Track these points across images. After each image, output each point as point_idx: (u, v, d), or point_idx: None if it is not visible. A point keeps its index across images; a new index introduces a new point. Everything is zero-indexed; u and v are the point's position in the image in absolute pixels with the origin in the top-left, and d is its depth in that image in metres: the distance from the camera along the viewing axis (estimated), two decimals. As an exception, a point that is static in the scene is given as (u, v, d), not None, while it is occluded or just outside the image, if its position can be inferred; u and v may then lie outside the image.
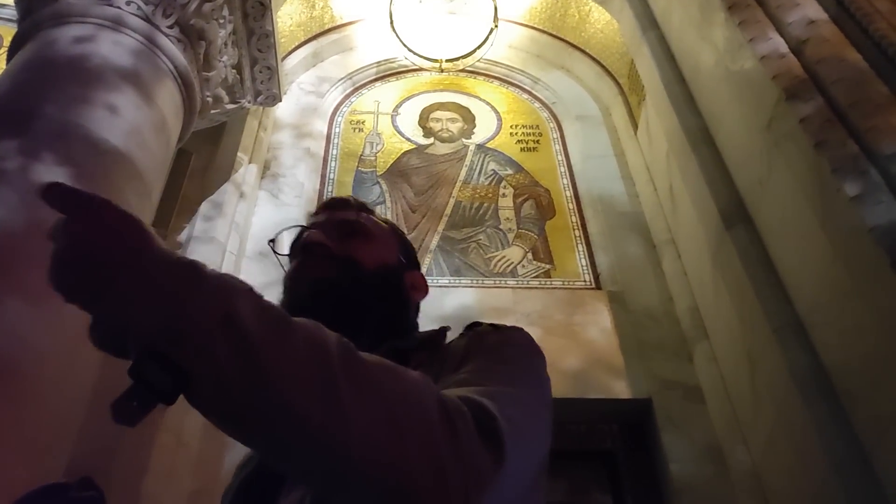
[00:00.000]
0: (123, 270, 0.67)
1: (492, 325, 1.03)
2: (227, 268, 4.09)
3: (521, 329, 1.03)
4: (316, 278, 1.08)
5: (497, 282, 4.45)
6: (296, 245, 1.16)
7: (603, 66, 5.79)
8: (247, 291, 0.71)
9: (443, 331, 1.11)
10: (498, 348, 0.95)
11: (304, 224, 1.21)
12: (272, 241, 1.22)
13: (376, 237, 1.17)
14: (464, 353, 0.95)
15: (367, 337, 1.01)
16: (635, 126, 5.21)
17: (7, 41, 5.17)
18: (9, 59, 3.46)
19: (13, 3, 3.74)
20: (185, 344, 0.65)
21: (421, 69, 5.98)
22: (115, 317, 0.67)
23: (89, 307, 0.68)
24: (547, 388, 0.97)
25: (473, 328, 1.04)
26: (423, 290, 1.20)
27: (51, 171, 2.69)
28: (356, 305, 1.06)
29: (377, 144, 5.45)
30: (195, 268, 0.70)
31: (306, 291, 1.07)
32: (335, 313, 0.99)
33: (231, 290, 0.70)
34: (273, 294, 3.13)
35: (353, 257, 1.10)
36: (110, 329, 0.68)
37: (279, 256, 1.19)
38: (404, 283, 1.16)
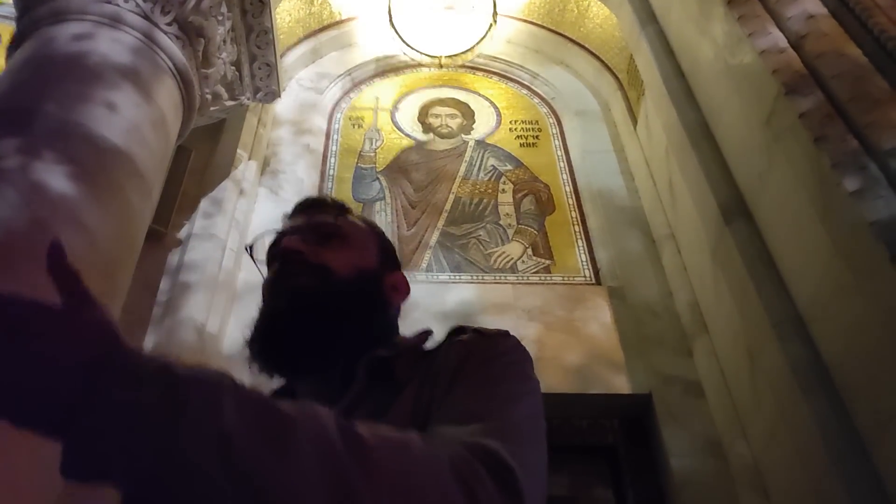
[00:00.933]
0: (88, 397, 0.55)
1: (477, 331, 1.02)
2: (226, 264, 4.10)
3: (508, 334, 1.02)
4: (292, 289, 1.06)
5: (497, 277, 4.46)
6: (273, 251, 1.14)
7: (602, 61, 5.79)
8: (231, 389, 0.62)
9: (425, 335, 1.10)
10: (490, 363, 0.94)
11: (282, 227, 1.19)
12: (249, 246, 1.20)
13: (354, 241, 1.14)
14: (455, 368, 0.93)
15: (347, 347, 1.02)
16: (635, 121, 5.21)
17: (6, 39, 5.17)
18: (8, 57, 3.45)
19: (11, 1, 3.73)
20: (183, 483, 0.57)
21: (420, 65, 5.97)
22: (83, 452, 0.56)
23: (51, 437, 0.57)
24: (539, 394, 0.96)
25: (458, 335, 1.02)
26: (405, 291, 1.17)
27: (51, 170, 2.69)
28: (334, 316, 1.04)
29: (377, 140, 5.45)
30: (169, 377, 0.59)
31: (284, 304, 1.05)
32: (314, 324, 1.02)
33: (214, 397, 0.60)
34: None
35: (329, 265, 1.07)
36: (84, 461, 0.57)
37: (257, 263, 1.17)
38: (384, 287, 1.14)
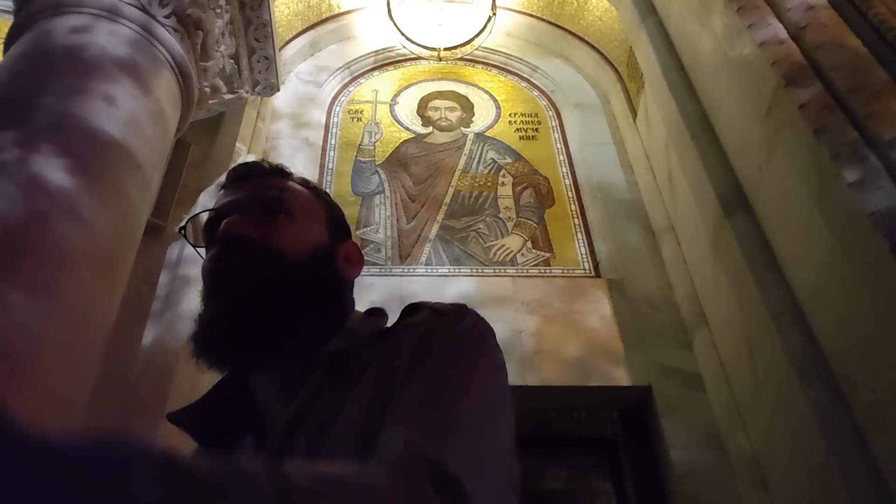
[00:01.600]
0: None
1: (432, 309, 0.92)
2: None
3: (465, 309, 0.93)
4: (238, 277, 0.94)
5: (497, 270, 4.46)
6: (211, 231, 1.01)
7: (601, 54, 5.78)
8: (140, 464, 0.49)
9: (379, 319, 1.01)
10: (443, 348, 0.85)
11: (218, 202, 1.04)
12: (182, 228, 1.05)
13: (300, 213, 1.02)
14: (411, 355, 0.85)
15: (304, 336, 0.94)
16: (634, 113, 5.21)
17: (3, 32, 5.15)
18: (5, 50, 3.44)
19: (9, -6, 3.72)
20: None
21: (419, 58, 5.96)
22: None
23: None
24: (503, 376, 0.89)
25: (413, 313, 0.94)
26: (359, 262, 1.07)
27: (49, 163, 2.68)
28: (288, 303, 0.93)
29: (376, 134, 5.45)
30: (65, 455, 0.46)
31: (231, 292, 0.94)
32: (267, 314, 0.92)
33: (124, 473, 0.48)
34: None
35: (278, 247, 0.96)
36: None
37: (193, 245, 1.05)
38: (336, 261, 1.03)
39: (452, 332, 0.88)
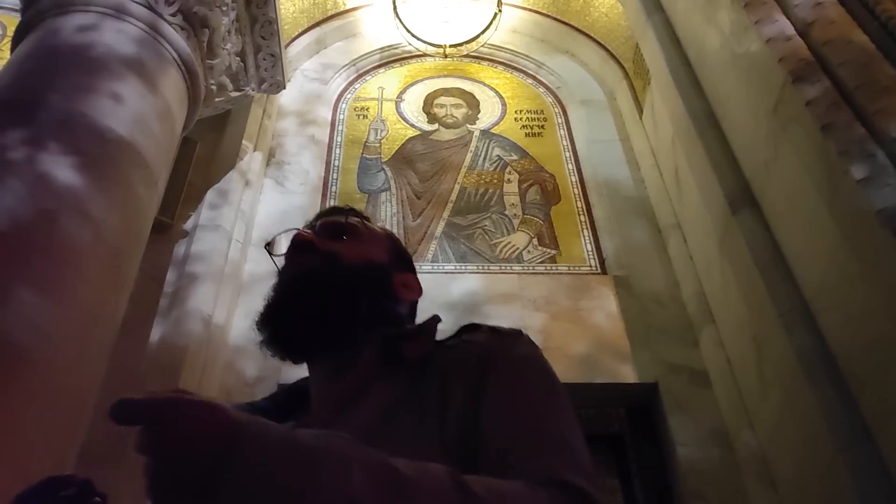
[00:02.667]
0: (226, 478, 0.62)
1: (493, 329, 1.02)
2: (232, 255, 4.11)
3: (521, 333, 1.03)
4: (299, 271, 1.09)
5: (503, 268, 4.45)
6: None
7: (608, 50, 5.76)
8: (359, 460, 0.67)
9: (434, 321, 1.09)
10: (523, 369, 0.95)
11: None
12: (269, 244, 1.22)
13: (364, 237, 1.16)
14: (480, 368, 0.94)
15: (355, 327, 1.03)
16: (640, 110, 5.19)
17: (10, 31, 5.17)
18: (13, 48, 3.45)
19: (16, -7, 3.73)
20: None
21: (425, 55, 5.95)
22: None
23: None
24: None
25: (472, 331, 1.03)
26: (416, 291, 1.18)
27: (57, 161, 2.69)
28: (340, 295, 1.05)
29: (382, 131, 5.45)
30: (298, 447, 0.66)
31: (289, 285, 1.08)
32: (319, 303, 1.03)
33: (344, 465, 0.66)
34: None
35: (337, 252, 1.10)
36: None
37: (274, 258, 1.18)
38: (393, 282, 1.14)
39: (520, 354, 0.98)
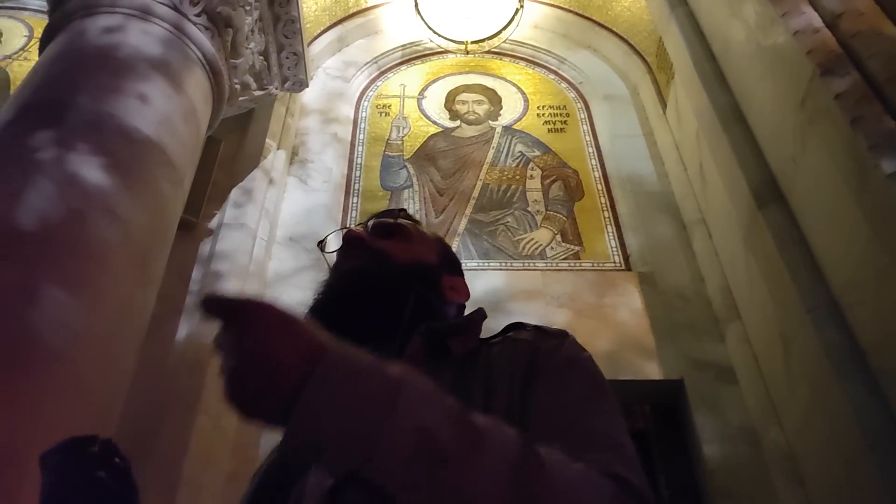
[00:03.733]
0: (309, 385, 0.64)
1: (538, 328, 1.03)
2: (257, 253, 4.14)
3: (567, 333, 1.03)
4: (349, 268, 1.12)
5: (526, 264, 4.45)
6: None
7: (630, 45, 5.72)
8: (440, 400, 0.69)
9: (480, 315, 1.12)
10: (571, 369, 0.96)
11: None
12: (322, 242, 1.27)
13: (414, 238, 1.20)
14: (527, 366, 0.94)
15: (402, 320, 1.04)
16: (664, 105, 5.15)
17: (38, 33, 5.25)
18: (40, 50, 3.51)
19: (44, -5, 3.79)
20: (384, 468, 0.63)
21: (446, 51, 5.94)
22: (303, 434, 0.64)
23: (274, 424, 0.66)
24: None
25: (517, 329, 1.04)
26: (464, 294, 1.20)
27: (85, 161, 2.73)
28: (387, 291, 1.07)
29: (404, 128, 5.46)
30: (385, 375, 0.67)
31: (339, 281, 1.10)
32: (365, 299, 1.05)
33: (426, 400, 0.68)
34: (303, 279, 3.16)
35: (386, 250, 1.13)
36: (296, 445, 0.65)
37: (325, 255, 1.23)
38: (441, 283, 1.16)
39: (569, 353, 0.98)
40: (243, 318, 0.67)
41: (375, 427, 0.63)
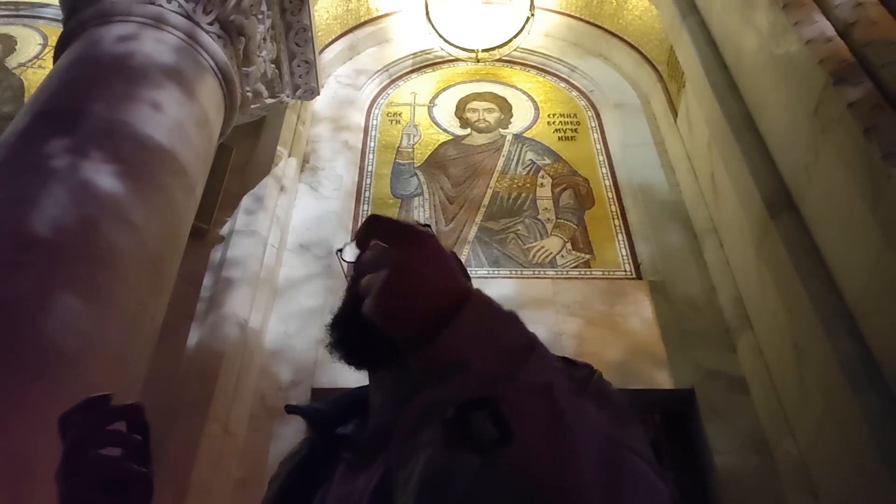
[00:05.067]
0: (465, 310, 0.68)
1: (565, 359, 1.03)
2: (268, 260, 4.15)
3: (593, 367, 1.05)
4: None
5: (536, 272, 4.44)
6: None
7: (641, 53, 5.72)
8: (555, 366, 0.72)
9: None
10: (601, 403, 0.97)
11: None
12: (340, 250, 1.23)
13: None
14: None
15: None
16: (675, 113, 5.14)
17: (52, 41, 5.30)
18: (55, 58, 3.54)
19: (58, 3, 3.82)
20: (513, 403, 0.65)
21: (457, 60, 5.96)
22: (449, 351, 0.67)
23: (413, 342, 0.69)
24: None
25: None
26: None
27: (99, 169, 2.75)
28: None
29: (414, 136, 5.47)
30: (520, 323, 0.72)
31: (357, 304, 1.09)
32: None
33: (548, 359, 0.72)
34: (313, 286, 3.15)
35: None
36: (440, 360, 0.68)
37: (343, 264, 1.20)
38: None
39: (601, 387, 0.99)
40: (414, 241, 0.70)
41: (515, 366, 0.67)
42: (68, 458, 0.90)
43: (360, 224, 4.71)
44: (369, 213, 4.83)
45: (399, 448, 0.91)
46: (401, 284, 0.68)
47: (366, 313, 0.70)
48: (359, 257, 0.76)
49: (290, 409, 1.14)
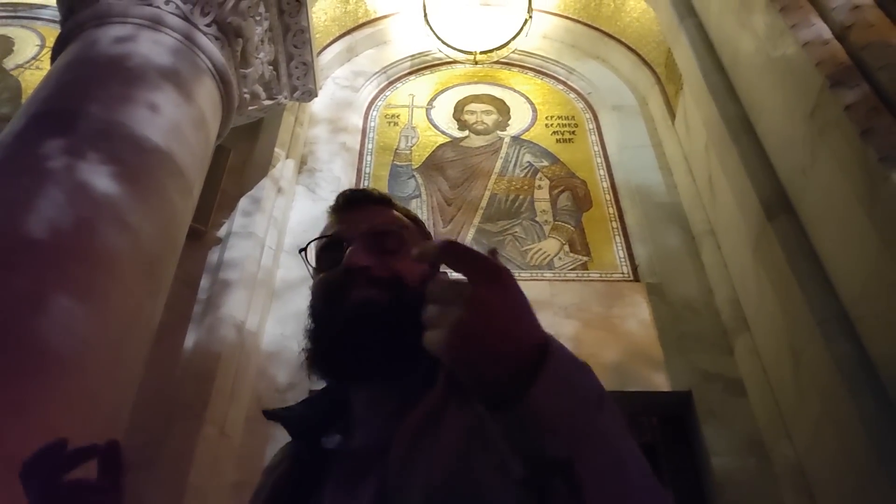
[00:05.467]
0: (542, 363, 0.65)
1: None
2: (265, 262, 4.15)
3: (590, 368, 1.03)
4: (361, 302, 0.99)
5: (534, 274, 4.44)
6: (329, 257, 1.08)
7: (639, 56, 5.72)
8: (618, 414, 0.73)
9: None
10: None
11: (333, 226, 1.13)
12: (303, 249, 1.16)
13: (410, 245, 1.07)
14: None
15: (418, 356, 0.94)
16: (672, 116, 5.14)
17: (50, 42, 5.30)
18: (52, 59, 3.53)
19: (55, 5, 3.81)
20: (588, 461, 0.64)
21: (455, 62, 5.97)
22: (536, 409, 0.65)
23: (488, 390, 0.66)
24: None
25: None
26: None
27: (95, 170, 2.74)
28: (408, 327, 0.94)
29: (412, 138, 5.46)
30: (591, 372, 0.72)
31: (352, 317, 0.99)
32: (388, 336, 0.96)
33: (615, 411, 0.72)
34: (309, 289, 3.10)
35: (398, 276, 1.02)
36: (526, 417, 0.65)
37: (309, 266, 1.13)
38: None
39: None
40: (496, 279, 0.67)
41: (590, 421, 0.67)
42: None
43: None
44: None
45: (398, 456, 0.89)
46: (480, 325, 0.64)
47: (430, 347, 0.66)
48: (428, 279, 0.73)
49: (270, 416, 1.08)
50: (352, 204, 1.14)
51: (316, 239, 1.14)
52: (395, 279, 1.02)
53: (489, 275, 0.66)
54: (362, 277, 1.01)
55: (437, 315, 0.66)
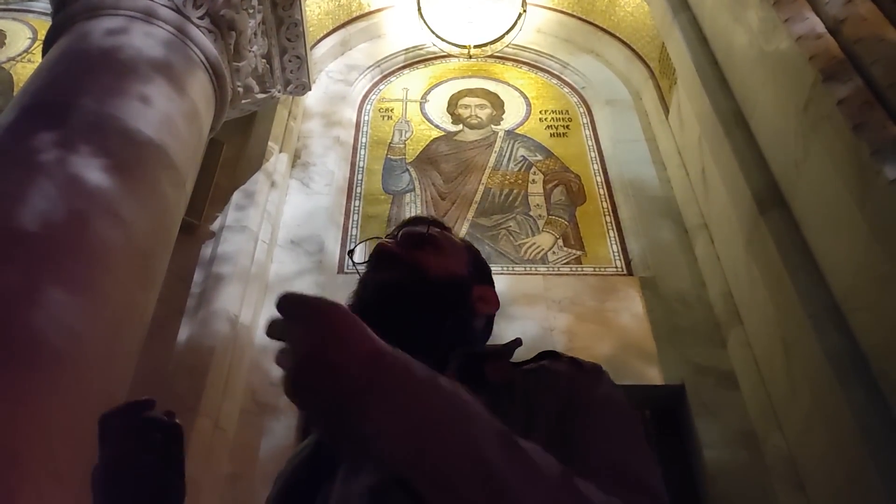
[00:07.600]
0: (369, 392, 0.65)
1: (573, 361, 1.02)
2: (259, 256, 4.15)
3: (602, 368, 1.03)
4: (381, 282, 1.08)
5: (528, 268, 4.44)
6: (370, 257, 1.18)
7: (633, 50, 5.73)
8: (488, 423, 0.69)
9: (515, 345, 1.09)
10: (606, 407, 0.96)
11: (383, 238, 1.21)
12: (351, 251, 1.24)
13: (445, 249, 1.16)
14: (564, 402, 0.94)
15: (429, 342, 1.00)
16: (666, 110, 5.15)
17: (41, 34, 5.27)
18: (44, 52, 3.51)
19: (47, -3, 3.80)
20: (432, 479, 0.64)
21: (449, 55, 5.96)
22: (359, 437, 0.65)
23: (329, 423, 0.67)
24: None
25: (551, 358, 1.03)
26: (494, 304, 1.17)
27: (87, 163, 2.73)
28: (420, 309, 1.04)
29: (406, 132, 5.46)
30: (438, 387, 0.69)
31: (372, 295, 1.06)
32: (400, 316, 1.01)
33: (473, 420, 0.68)
34: (304, 282, 3.15)
35: (419, 264, 1.10)
36: (351, 444, 0.67)
37: (357, 266, 1.19)
38: (471, 295, 1.13)
39: (606, 392, 0.98)
40: (312, 316, 0.69)
41: (431, 438, 0.64)
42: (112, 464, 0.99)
43: (350, 221, 4.68)
44: (358, 209, 4.83)
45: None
46: (303, 371, 0.66)
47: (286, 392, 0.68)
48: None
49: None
50: (404, 223, 1.24)
51: (363, 241, 1.23)
52: (415, 265, 1.09)
53: (307, 315, 0.69)
54: (386, 261, 1.11)
55: (281, 359, 0.69)
